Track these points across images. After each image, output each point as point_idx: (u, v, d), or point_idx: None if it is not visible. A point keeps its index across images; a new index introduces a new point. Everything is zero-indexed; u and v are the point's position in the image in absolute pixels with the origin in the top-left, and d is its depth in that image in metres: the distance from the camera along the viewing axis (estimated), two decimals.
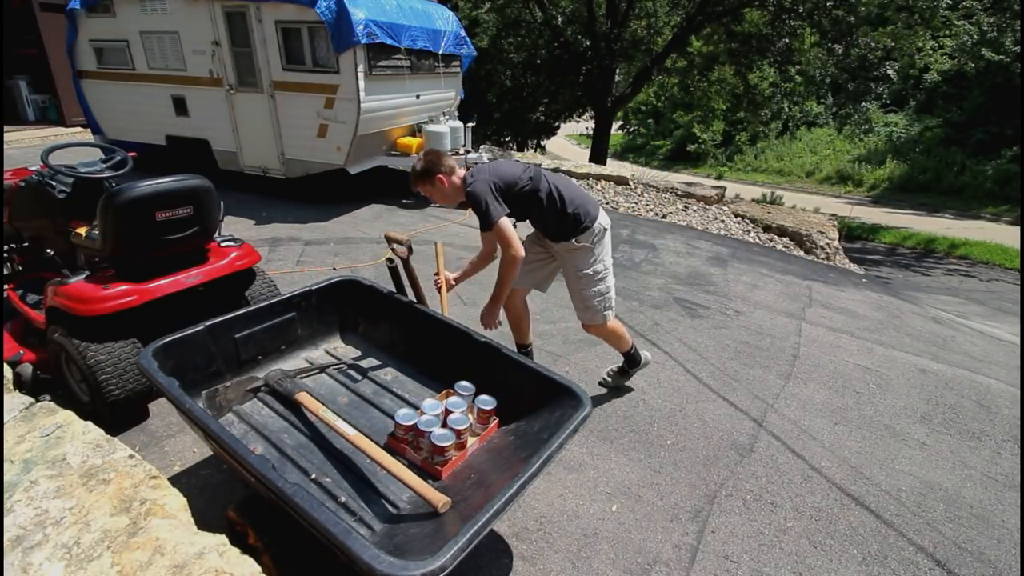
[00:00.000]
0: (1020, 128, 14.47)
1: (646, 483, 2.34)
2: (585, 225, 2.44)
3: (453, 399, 1.87)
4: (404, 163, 6.76)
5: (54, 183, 2.73)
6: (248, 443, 1.76)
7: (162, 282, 2.38)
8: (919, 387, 3.32)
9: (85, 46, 6.71)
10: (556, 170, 8.61)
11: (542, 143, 19.45)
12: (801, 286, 5.02)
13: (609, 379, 2.97)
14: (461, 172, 2.36)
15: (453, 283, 2.57)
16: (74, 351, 2.25)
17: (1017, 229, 12.03)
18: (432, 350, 2.19)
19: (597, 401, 2.87)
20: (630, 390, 3.00)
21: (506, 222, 2.22)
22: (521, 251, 2.24)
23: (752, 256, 5.90)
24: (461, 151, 6.59)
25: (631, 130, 30.50)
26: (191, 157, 6.45)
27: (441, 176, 2.31)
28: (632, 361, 2.87)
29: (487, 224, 2.22)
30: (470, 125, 6.74)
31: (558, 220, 2.42)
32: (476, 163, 6.50)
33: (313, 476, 1.67)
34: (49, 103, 11.14)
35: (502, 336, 3.42)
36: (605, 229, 2.52)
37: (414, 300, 2.30)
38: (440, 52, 6.57)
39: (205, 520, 1.49)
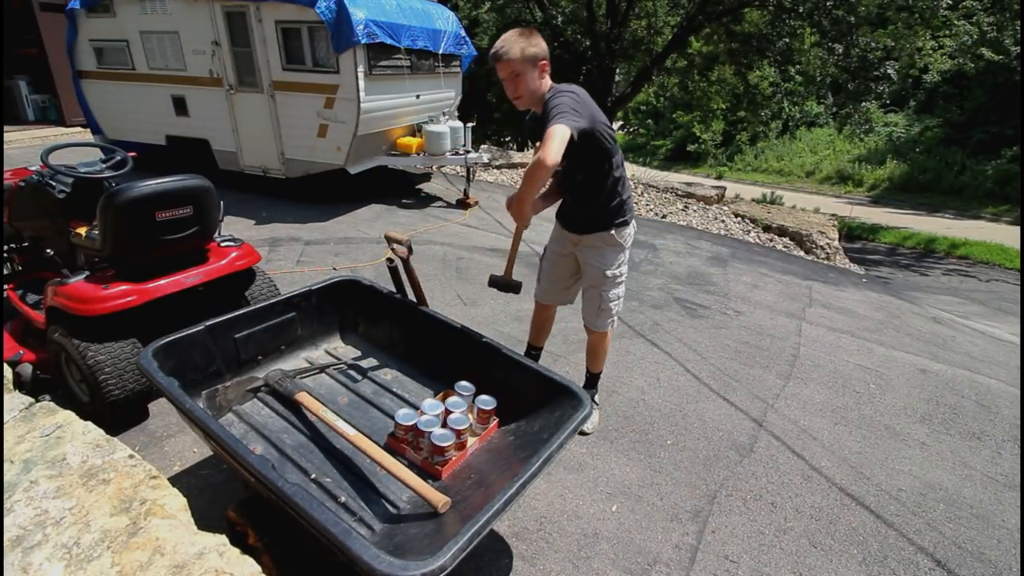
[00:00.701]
0: (1020, 128, 14.47)
1: (646, 483, 2.34)
2: (627, 219, 2.29)
3: (453, 399, 1.87)
4: (404, 163, 6.76)
5: (54, 183, 2.73)
6: (248, 443, 1.76)
7: (162, 282, 2.38)
8: (919, 387, 3.32)
9: (85, 46, 6.71)
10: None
11: None
12: (801, 286, 5.01)
13: (589, 428, 2.67)
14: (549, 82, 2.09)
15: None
16: (74, 351, 2.25)
17: (1017, 229, 12.02)
18: (432, 350, 2.19)
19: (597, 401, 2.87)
20: (630, 390, 3.00)
21: (566, 133, 1.83)
22: (556, 159, 1.83)
23: (752, 256, 5.90)
24: (461, 151, 6.59)
25: (631, 130, 30.51)
26: (191, 157, 6.45)
27: (544, 63, 2.03)
28: (594, 383, 2.67)
29: (546, 129, 1.86)
30: (470, 125, 6.74)
31: (607, 199, 2.21)
32: (476, 163, 6.57)
33: (313, 476, 1.67)
34: (49, 103, 11.14)
35: (502, 336, 3.43)
36: (635, 231, 2.40)
37: (414, 300, 2.30)
38: (440, 52, 6.57)
39: (205, 520, 1.49)
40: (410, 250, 2.16)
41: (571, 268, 2.49)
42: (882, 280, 7.47)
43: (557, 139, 1.82)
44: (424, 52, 6.34)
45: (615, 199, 2.23)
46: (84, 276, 2.34)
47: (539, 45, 2.01)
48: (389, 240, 2.18)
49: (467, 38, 7.29)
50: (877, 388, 3.26)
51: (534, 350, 2.79)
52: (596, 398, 2.72)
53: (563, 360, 3.26)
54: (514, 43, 1.98)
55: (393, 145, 6.48)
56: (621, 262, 2.35)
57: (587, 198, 2.24)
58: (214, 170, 6.33)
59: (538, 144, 1.91)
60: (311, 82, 5.63)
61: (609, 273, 2.33)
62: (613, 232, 2.27)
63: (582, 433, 2.61)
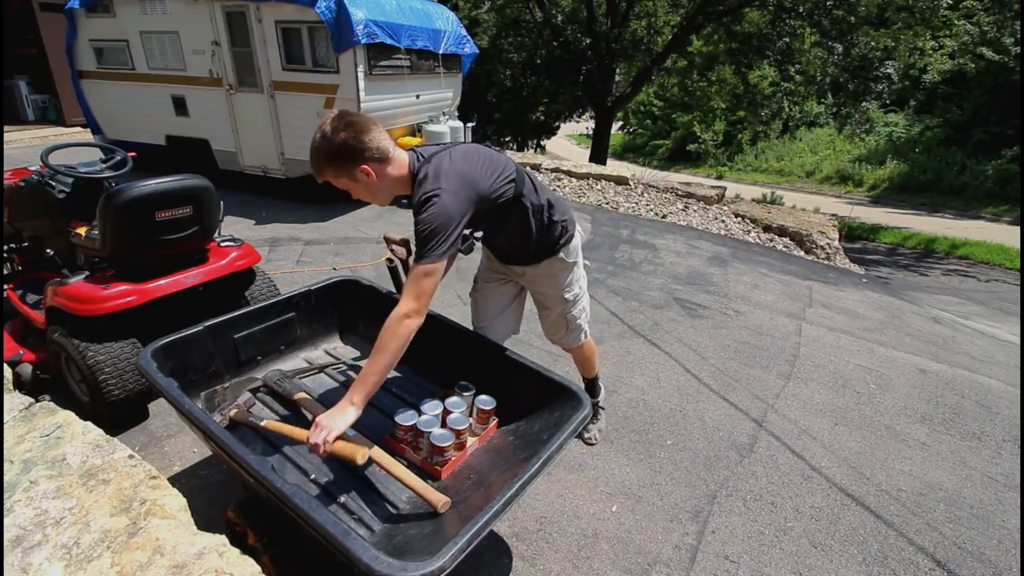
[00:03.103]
0: (1020, 128, 14.47)
1: (646, 483, 2.34)
2: (569, 233, 1.99)
3: (452, 399, 1.86)
4: None
5: (54, 183, 2.73)
6: (247, 444, 1.76)
7: (162, 282, 2.38)
8: (919, 387, 3.32)
9: (85, 46, 6.71)
10: (556, 169, 8.61)
11: (542, 143, 19.47)
12: (801, 286, 5.01)
13: (590, 436, 2.54)
14: (403, 158, 1.67)
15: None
16: (74, 351, 2.25)
17: (1017, 229, 12.02)
18: (432, 350, 2.18)
19: None
20: (630, 390, 3.00)
21: (440, 268, 1.56)
22: (421, 319, 1.56)
23: (752, 256, 5.90)
24: None
25: (631, 130, 30.51)
26: (191, 157, 6.45)
27: (367, 167, 1.58)
28: (594, 390, 2.50)
29: (430, 256, 1.52)
30: (470, 125, 6.74)
31: (545, 231, 1.91)
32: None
33: (312, 476, 1.67)
34: (49, 103, 11.15)
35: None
36: (582, 235, 2.11)
37: None
38: (440, 52, 6.57)
39: (205, 520, 1.49)
40: (409, 251, 2.15)
41: (511, 293, 2.19)
42: (882, 280, 7.46)
43: (433, 281, 1.53)
44: (424, 52, 6.34)
45: (551, 227, 1.93)
46: (84, 276, 2.34)
47: (352, 144, 1.55)
48: (388, 241, 2.17)
49: (468, 37, 7.29)
50: (877, 388, 3.26)
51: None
52: (601, 402, 2.56)
53: (563, 360, 3.25)
54: (314, 160, 1.59)
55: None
56: (576, 278, 2.11)
57: (520, 240, 1.92)
58: (214, 170, 6.33)
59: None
60: (311, 82, 5.63)
61: (569, 295, 2.10)
62: (561, 255, 1.99)
63: (587, 443, 2.52)
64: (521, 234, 1.89)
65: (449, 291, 4.10)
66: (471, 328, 2.11)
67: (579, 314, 2.18)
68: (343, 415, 1.49)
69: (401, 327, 1.53)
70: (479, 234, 1.83)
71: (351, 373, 2.18)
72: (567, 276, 2.07)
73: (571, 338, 2.24)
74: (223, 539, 1.30)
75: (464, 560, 1.18)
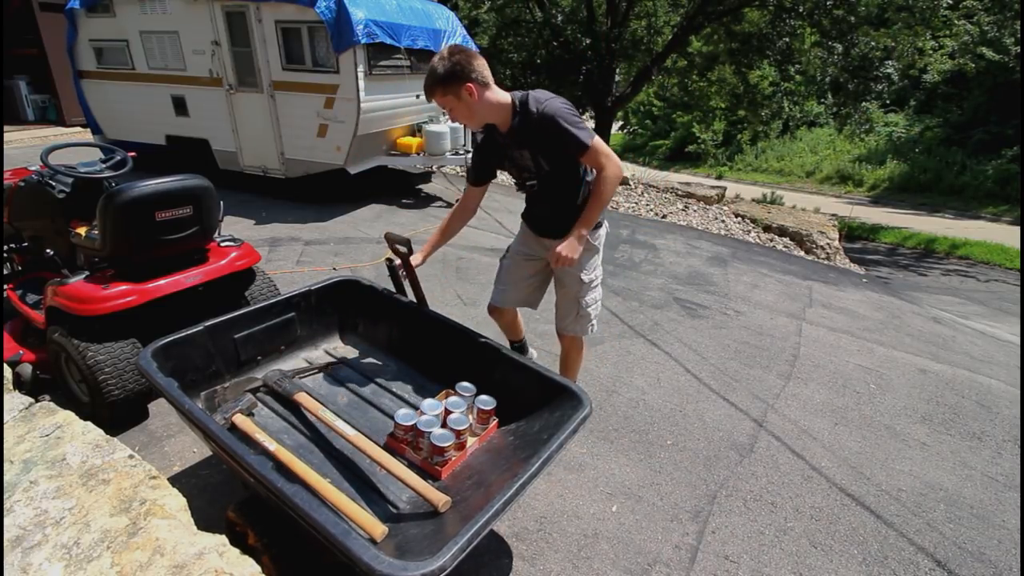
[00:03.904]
0: (1020, 128, 14.46)
1: (646, 483, 2.34)
2: (601, 222, 2.18)
3: (453, 399, 1.86)
4: (404, 163, 6.76)
5: (54, 183, 2.73)
6: (247, 444, 1.75)
7: (162, 282, 2.38)
8: (919, 387, 3.32)
9: (85, 46, 6.72)
10: None
11: None
12: (801, 286, 5.01)
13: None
14: (504, 92, 1.91)
15: (421, 261, 2.16)
16: (74, 351, 2.25)
17: (1017, 229, 12.02)
18: (432, 350, 2.19)
19: (597, 401, 2.87)
20: (630, 390, 3.00)
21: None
22: (621, 171, 1.90)
23: (752, 256, 5.90)
24: (461, 151, 6.59)
25: (631, 130, 30.49)
26: (191, 157, 6.45)
27: (471, 85, 1.81)
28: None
29: (583, 145, 1.82)
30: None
31: (583, 203, 2.03)
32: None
33: None
34: (49, 103, 11.15)
35: (502, 336, 3.42)
36: (607, 229, 2.29)
37: (414, 300, 2.30)
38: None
39: (205, 520, 1.49)
40: (410, 250, 2.15)
41: (536, 269, 2.34)
42: (882, 280, 7.46)
43: (607, 147, 1.87)
44: (424, 52, 6.35)
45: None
46: (84, 276, 2.34)
47: (461, 67, 1.81)
48: (389, 240, 2.17)
49: (468, 37, 7.29)
50: (877, 388, 3.26)
51: (515, 344, 2.65)
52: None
53: None
54: (429, 84, 1.84)
55: (393, 145, 6.48)
56: (596, 265, 2.24)
57: (564, 204, 2.10)
58: (214, 170, 6.34)
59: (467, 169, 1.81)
60: (311, 82, 5.63)
61: (586, 278, 2.21)
62: (589, 235, 2.13)
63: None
64: (569, 196, 2.08)
65: (449, 291, 4.10)
66: (471, 328, 2.11)
67: (591, 302, 2.27)
68: (577, 244, 1.93)
69: (614, 180, 1.91)
70: (532, 182, 2.10)
71: (351, 373, 2.18)
72: (589, 258, 2.20)
73: (579, 326, 2.31)
74: (223, 539, 1.30)
75: (464, 560, 1.18)
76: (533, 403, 1.84)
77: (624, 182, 8.34)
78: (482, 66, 1.84)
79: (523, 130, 1.90)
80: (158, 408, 2.57)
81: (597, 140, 1.86)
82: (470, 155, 6.38)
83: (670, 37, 12.28)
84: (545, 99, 1.86)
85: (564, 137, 1.84)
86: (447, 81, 1.81)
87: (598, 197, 1.92)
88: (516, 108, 1.89)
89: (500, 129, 1.97)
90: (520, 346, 2.73)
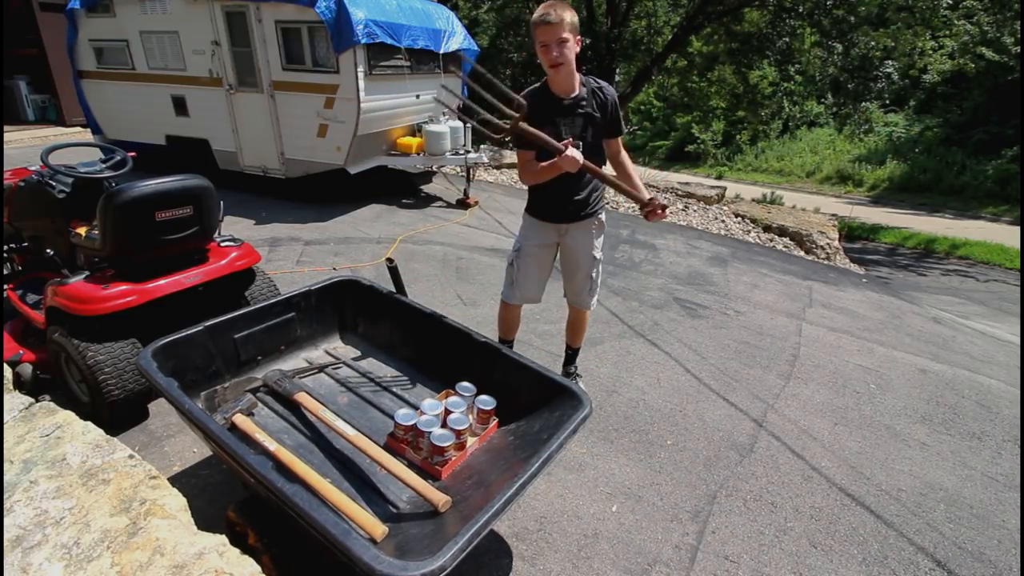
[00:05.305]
0: (1020, 128, 14.46)
1: (646, 483, 2.34)
2: (604, 202, 2.50)
3: (453, 399, 1.86)
4: (404, 163, 6.76)
5: (54, 183, 2.73)
6: (247, 444, 1.75)
7: (162, 282, 2.38)
8: (919, 387, 3.32)
9: (85, 46, 6.72)
10: None
11: None
12: (801, 286, 5.01)
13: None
14: None
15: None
16: (74, 351, 2.25)
17: (1017, 229, 12.01)
18: (432, 350, 2.19)
19: (597, 401, 2.87)
20: (630, 390, 3.00)
21: None
22: None
23: (752, 256, 5.90)
24: (461, 151, 6.59)
25: (630, 130, 30.48)
26: (191, 157, 6.45)
27: (580, 40, 2.10)
28: (575, 358, 2.88)
29: (622, 129, 2.28)
30: (470, 125, 6.73)
31: (598, 187, 2.38)
32: (476, 163, 6.56)
33: None
34: (49, 103, 11.15)
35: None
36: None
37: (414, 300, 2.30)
38: (441, 52, 6.57)
39: (205, 520, 1.49)
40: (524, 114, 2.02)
41: (553, 254, 2.56)
42: (882, 280, 7.46)
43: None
44: (424, 52, 6.34)
45: (600, 186, 2.39)
46: (84, 276, 2.34)
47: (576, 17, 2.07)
48: (506, 103, 2.05)
49: (469, 37, 7.29)
50: (877, 388, 3.26)
51: (506, 342, 2.77)
52: (579, 370, 2.91)
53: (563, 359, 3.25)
54: (564, 10, 2.00)
55: (393, 145, 6.48)
56: (602, 242, 2.54)
57: (588, 186, 2.36)
58: (214, 170, 6.34)
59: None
60: (311, 82, 5.63)
61: (597, 255, 2.51)
62: (602, 216, 2.48)
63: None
64: (589, 182, 2.31)
65: (449, 291, 4.10)
66: (472, 328, 2.11)
67: (597, 276, 2.56)
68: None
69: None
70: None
71: (351, 373, 2.18)
72: (599, 237, 2.49)
73: (589, 299, 2.59)
74: (223, 539, 1.30)
75: (464, 560, 1.18)
76: (533, 403, 1.85)
77: None
78: None
79: (588, 100, 2.18)
80: (158, 408, 2.57)
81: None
82: (470, 155, 6.43)
83: (670, 37, 12.29)
84: (603, 82, 2.21)
85: (616, 115, 2.20)
86: (575, 25, 2.03)
87: (633, 171, 2.28)
88: (582, 80, 2.18)
89: (562, 95, 2.17)
90: (510, 345, 2.79)
